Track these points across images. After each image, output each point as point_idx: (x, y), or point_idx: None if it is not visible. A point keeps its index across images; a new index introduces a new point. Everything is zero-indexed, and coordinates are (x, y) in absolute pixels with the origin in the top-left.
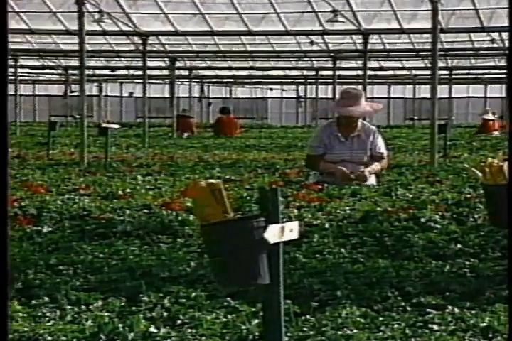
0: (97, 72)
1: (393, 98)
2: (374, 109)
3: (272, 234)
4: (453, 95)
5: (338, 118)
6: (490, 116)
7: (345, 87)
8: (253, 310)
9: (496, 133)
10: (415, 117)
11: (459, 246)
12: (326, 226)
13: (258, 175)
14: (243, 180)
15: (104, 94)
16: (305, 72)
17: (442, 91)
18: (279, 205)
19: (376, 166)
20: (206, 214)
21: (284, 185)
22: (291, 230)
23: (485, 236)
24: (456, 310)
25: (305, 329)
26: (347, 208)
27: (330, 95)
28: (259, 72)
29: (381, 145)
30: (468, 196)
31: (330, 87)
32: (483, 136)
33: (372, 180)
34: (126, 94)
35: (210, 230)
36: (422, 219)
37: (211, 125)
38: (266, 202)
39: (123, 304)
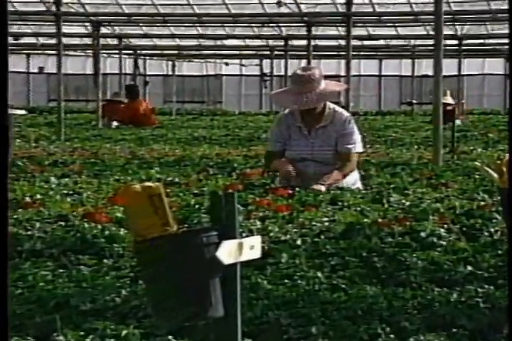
0: None
1: (386, 76)
2: (336, 91)
3: (227, 252)
4: (463, 72)
5: None
6: (449, 100)
7: (297, 68)
8: None
9: (458, 121)
10: (414, 101)
11: (469, 268)
12: (298, 242)
13: (209, 176)
14: (190, 182)
15: None
16: (271, 42)
17: (449, 66)
18: (236, 215)
19: (334, 176)
20: (142, 228)
21: (243, 189)
22: (252, 247)
23: (503, 256)
24: None
25: None
26: (325, 219)
27: None
28: (211, 42)
29: (350, 140)
30: (482, 204)
31: (303, 62)
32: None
33: (355, 182)
34: (35, 70)
35: (146, 248)
36: (422, 234)
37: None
38: (219, 211)
39: None
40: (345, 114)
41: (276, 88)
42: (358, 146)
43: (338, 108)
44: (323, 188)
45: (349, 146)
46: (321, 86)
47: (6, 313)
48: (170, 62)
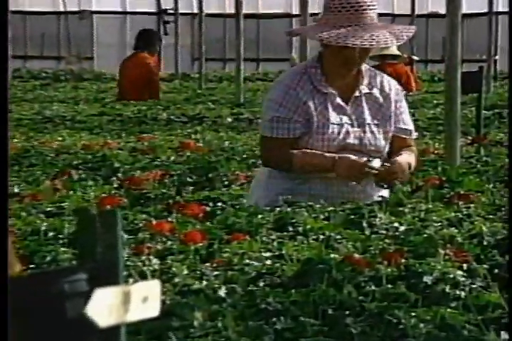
0: None
1: (381, 14)
2: (409, 31)
3: (104, 307)
4: (496, 9)
5: (320, 56)
6: (394, 51)
7: None
8: None
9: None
10: (415, 57)
11: (505, 337)
12: (221, 293)
13: (72, 183)
14: (39, 194)
15: None
16: None
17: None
18: (119, 248)
19: (410, 156)
20: None
21: (129, 205)
22: (144, 300)
23: None
24: None
25: None
26: (266, 255)
27: (232, 9)
28: None
29: (408, 117)
30: None
31: None
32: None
33: (382, 190)
34: None
35: None
36: (427, 279)
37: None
38: (90, 240)
39: None
40: (388, 77)
41: (185, 33)
42: (413, 129)
43: (368, 66)
44: (404, 163)
45: (410, 128)
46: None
47: (6, 312)
48: None
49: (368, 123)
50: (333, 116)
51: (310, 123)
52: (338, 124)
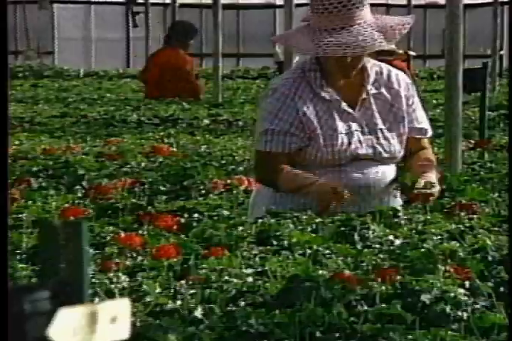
0: None
1: (371, 5)
2: (405, 23)
3: (69, 329)
4: None
5: (318, 57)
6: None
7: None
8: None
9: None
10: (412, 52)
11: None
12: (197, 314)
13: (32, 191)
14: None
15: None
16: None
17: None
18: (84, 263)
19: (434, 171)
20: None
21: (95, 216)
22: (113, 321)
23: None
24: None
25: None
26: (248, 271)
27: None
28: None
29: (422, 114)
30: None
31: None
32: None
33: (396, 200)
34: None
35: None
36: (424, 298)
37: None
38: (53, 255)
39: None
40: (396, 70)
41: (157, 26)
42: (429, 126)
43: (378, 62)
44: (434, 180)
45: (425, 126)
46: (367, 15)
47: (6, 311)
48: None
49: (380, 128)
50: (341, 125)
51: (314, 135)
52: (347, 133)
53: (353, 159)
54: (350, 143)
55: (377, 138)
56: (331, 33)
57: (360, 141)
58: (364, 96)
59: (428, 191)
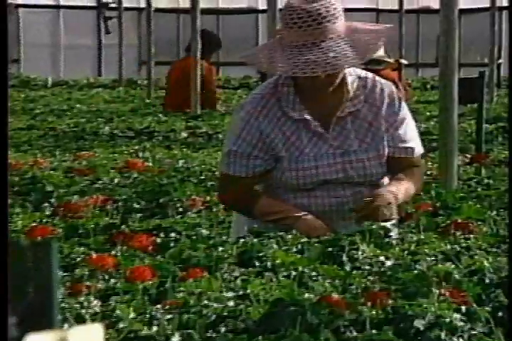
0: None
1: (351, 10)
2: (379, 36)
3: None
4: (500, 3)
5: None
6: (381, 54)
7: None
8: None
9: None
10: (403, 60)
11: None
12: (175, 340)
13: None
14: None
15: None
16: None
17: None
18: (54, 286)
19: (403, 184)
20: None
21: (64, 235)
22: None
23: None
24: None
25: None
26: (228, 295)
27: (187, 2)
28: None
29: (408, 132)
30: None
31: None
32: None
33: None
34: None
35: None
36: (418, 323)
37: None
38: (20, 277)
39: None
40: (384, 82)
41: (131, 32)
42: (419, 143)
43: (365, 72)
44: (389, 195)
45: (411, 145)
46: (341, 28)
47: (6, 310)
48: None
49: (355, 151)
50: (309, 147)
51: (279, 157)
52: (314, 156)
53: (320, 184)
54: (317, 167)
55: (350, 161)
56: (300, 49)
57: (329, 165)
58: (340, 114)
59: (375, 204)
